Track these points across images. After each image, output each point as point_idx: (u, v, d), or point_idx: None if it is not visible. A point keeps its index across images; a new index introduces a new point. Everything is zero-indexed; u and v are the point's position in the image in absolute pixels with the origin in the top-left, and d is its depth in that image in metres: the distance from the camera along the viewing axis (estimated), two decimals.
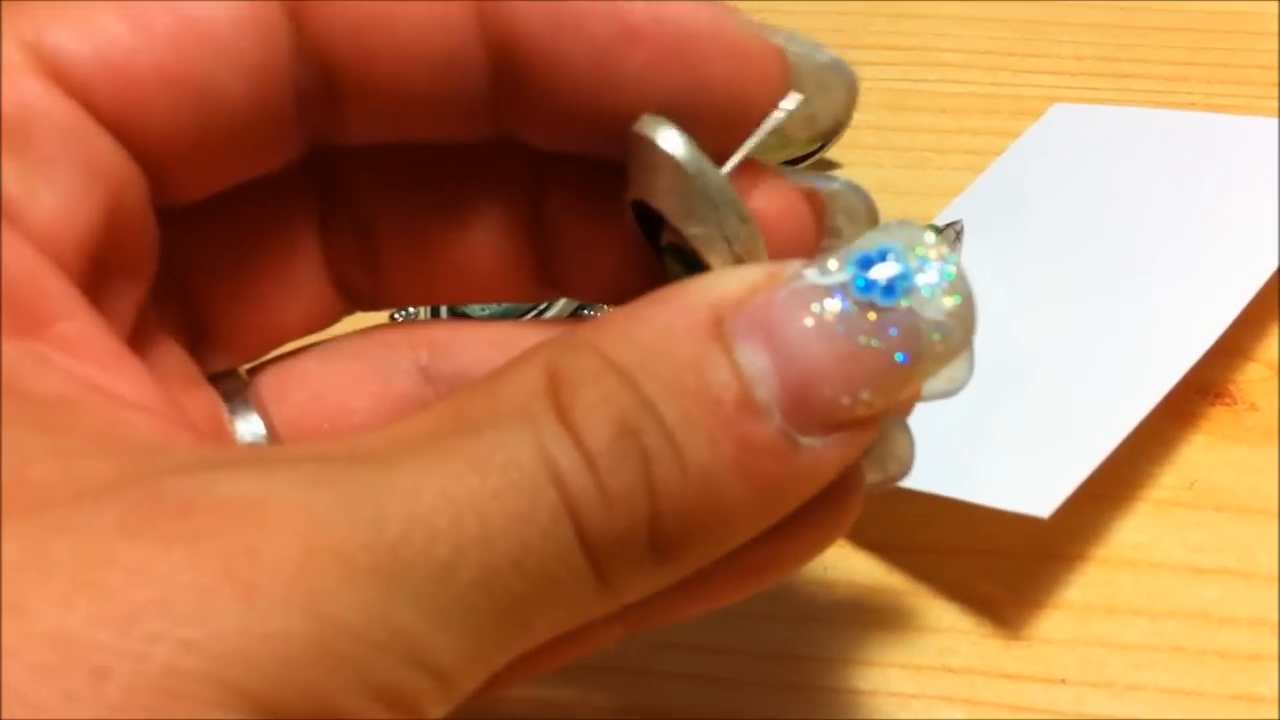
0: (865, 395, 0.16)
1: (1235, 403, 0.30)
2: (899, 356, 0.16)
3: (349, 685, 0.14)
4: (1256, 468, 0.28)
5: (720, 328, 0.16)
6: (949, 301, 0.16)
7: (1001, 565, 0.27)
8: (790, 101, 0.19)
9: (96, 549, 0.14)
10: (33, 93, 0.17)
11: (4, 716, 0.13)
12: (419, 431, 0.16)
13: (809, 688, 0.25)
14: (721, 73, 0.18)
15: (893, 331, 0.16)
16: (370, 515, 0.15)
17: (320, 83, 0.19)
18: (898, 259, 0.16)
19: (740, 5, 0.19)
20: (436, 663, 0.15)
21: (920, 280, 0.16)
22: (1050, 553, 0.27)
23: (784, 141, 0.19)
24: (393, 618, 0.14)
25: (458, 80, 0.19)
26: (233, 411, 0.21)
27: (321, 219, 0.21)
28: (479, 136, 0.20)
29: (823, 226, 0.20)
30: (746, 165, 0.19)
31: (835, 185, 0.20)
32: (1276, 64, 0.40)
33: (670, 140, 0.18)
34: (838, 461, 0.17)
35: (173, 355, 0.20)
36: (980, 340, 0.30)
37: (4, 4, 0.18)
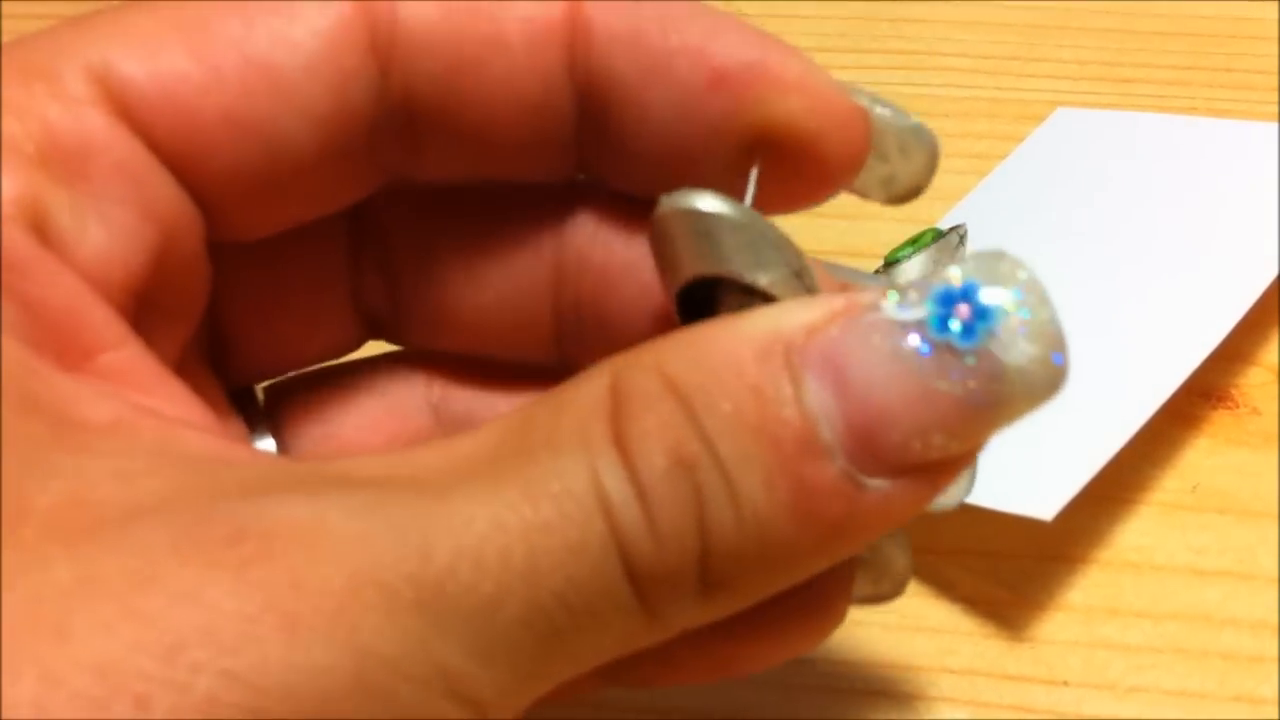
0: (938, 440, 0.15)
1: (1237, 407, 0.30)
2: (973, 400, 0.15)
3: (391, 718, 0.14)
4: (1258, 471, 0.28)
5: (789, 358, 0.15)
6: (1033, 348, 0.15)
7: (1004, 567, 0.27)
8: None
9: (145, 571, 0.14)
10: (95, 125, 0.17)
11: None
12: (482, 453, 0.16)
13: (812, 688, 0.25)
14: (805, 125, 0.18)
15: (971, 375, 0.15)
16: (418, 545, 0.14)
17: (402, 127, 0.19)
18: (983, 297, 0.15)
19: (745, 10, 0.19)
20: (476, 696, 0.15)
21: (1004, 323, 0.15)
22: (1053, 554, 0.27)
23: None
24: (433, 652, 0.14)
25: (544, 124, 0.19)
26: (252, 437, 0.21)
27: (351, 251, 0.21)
28: (555, 177, 0.20)
29: (869, 149, 0.19)
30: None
31: (898, 118, 0.19)
32: (1277, 69, 0.40)
33: (714, 203, 0.17)
34: (907, 504, 0.16)
35: (201, 377, 0.20)
36: None
37: (70, 23, 0.18)
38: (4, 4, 0.43)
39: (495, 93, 0.18)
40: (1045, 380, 0.15)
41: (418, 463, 0.16)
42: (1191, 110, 0.39)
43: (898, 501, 0.16)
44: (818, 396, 0.15)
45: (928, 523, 0.21)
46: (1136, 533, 0.27)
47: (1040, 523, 0.24)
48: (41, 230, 0.17)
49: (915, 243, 0.30)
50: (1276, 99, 0.39)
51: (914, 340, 0.15)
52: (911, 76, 0.41)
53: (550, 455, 0.15)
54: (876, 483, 0.15)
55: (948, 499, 0.20)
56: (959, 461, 0.16)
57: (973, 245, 0.31)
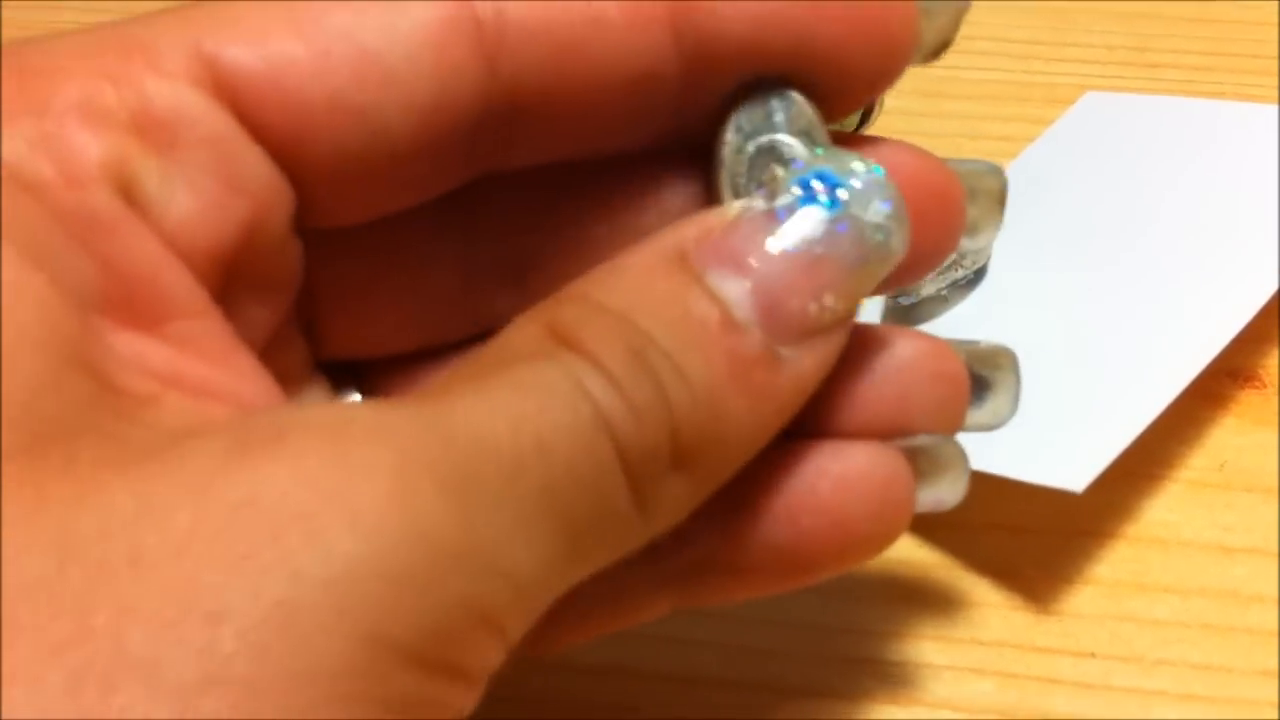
0: (829, 300, 0.18)
1: (1265, 386, 0.30)
2: (850, 260, 0.18)
3: (450, 601, 0.15)
4: None
5: (686, 262, 0.18)
6: (884, 205, 0.18)
7: (1033, 541, 0.27)
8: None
9: (202, 485, 0.14)
10: (190, 99, 0.17)
11: (121, 678, 0.13)
12: (459, 377, 0.17)
13: (842, 658, 0.25)
14: (892, 31, 0.19)
15: (841, 237, 0.18)
16: (443, 428, 0.15)
17: (503, 118, 0.19)
18: (834, 175, 0.18)
19: None
20: (514, 572, 0.15)
21: (856, 188, 0.18)
22: (1081, 529, 0.27)
23: None
24: (477, 532, 0.15)
25: (651, 95, 0.19)
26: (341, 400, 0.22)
27: (466, 244, 0.22)
28: (653, 145, 0.20)
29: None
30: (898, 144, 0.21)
31: (969, 165, 0.21)
32: None
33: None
34: (817, 368, 0.18)
35: (293, 344, 0.21)
36: (1012, 321, 0.30)
37: (175, 9, 0.18)
38: (3, 4, 0.43)
39: (600, 72, 0.19)
40: (900, 231, 0.18)
41: (408, 395, 0.17)
42: (1220, 95, 0.39)
43: (809, 364, 0.18)
44: (724, 285, 0.18)
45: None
46: (1164, 509, 0.28)
47: (1069, 498, 0.24)
48: (129, 194, 0.17)
49: None
50: None
51: (791, 219, 0.18)
52: (942, 59, 0.41)
53: (523, 365, 0.17)
54: (788, 351, 0.18)
55: (945, 499, 0.21)
56: (847, 321, 0.18)
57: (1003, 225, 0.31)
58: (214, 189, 0.18)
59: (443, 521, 0.15)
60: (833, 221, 0.18)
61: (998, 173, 0.21)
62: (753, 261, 0.18)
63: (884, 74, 0.20)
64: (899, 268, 0.19)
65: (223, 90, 0.18)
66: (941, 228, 0.20)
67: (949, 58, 0.40)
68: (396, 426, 0.15)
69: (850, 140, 0.20)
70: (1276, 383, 0.30)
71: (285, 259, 0.19)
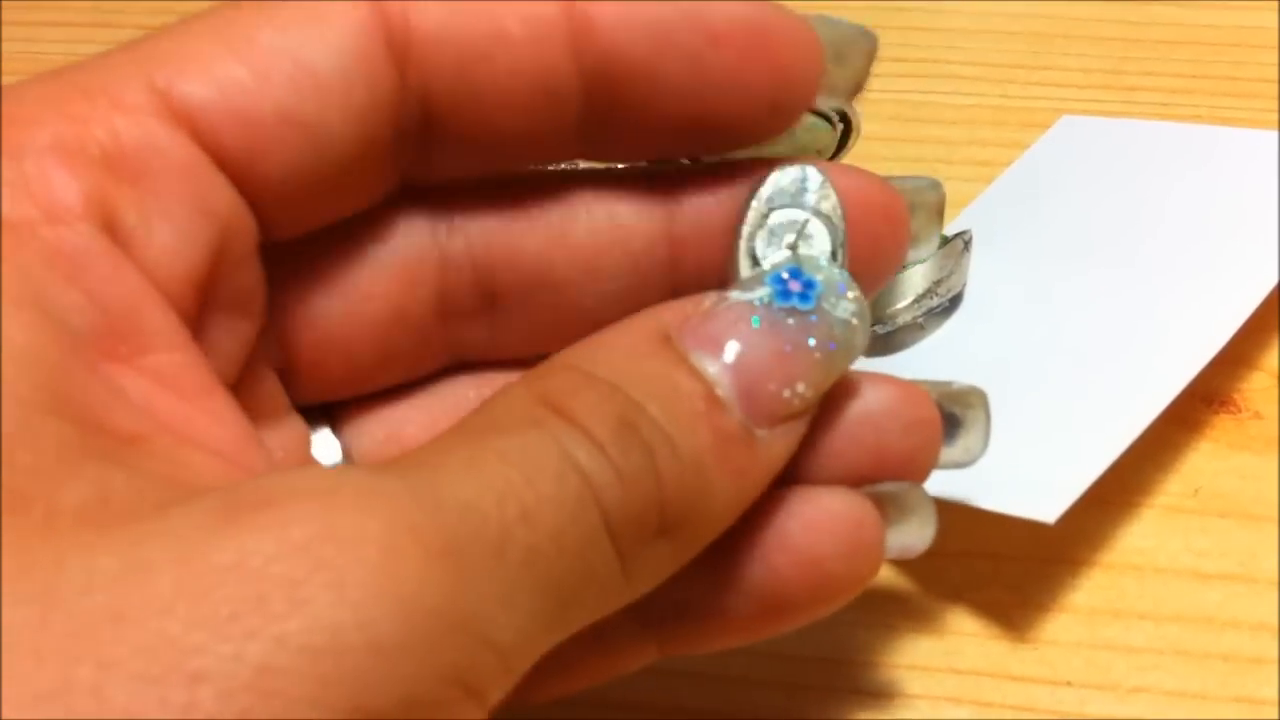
0: (800, 388, 0.19)
1: (1239, 411, 0.30)
2: (820, 352, 0.19)
3: (434, 671, 0.15)
4: (1260, 475, 0.29)
5: (671, 341, 0.19)
6: (850, 304, 0.20)
7: (1007, 569, 0.27)
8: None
9: (190, 550, 0.14)
10: (156, 132, 0.18)
11: None
12: (447, 444, 0.17)
13: (818, 687, 0.25)
14: (787, 60, 0.20)
15: (812, 331, 0.19)
16: (430, 497, 0.15)
17: (418, 122, 0.20)
18: (806, 274, 0.19)
19: None
20: (498, 641, 0.16)
21: (826, 286, 0.19)
22: (1056, 557, 0.27)
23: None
24: (462, 599, 0.15)
25: (551, 112, 0.20)
26: (314, 438, 0.22)
27: (440, 276, 0.22)
28: (565, 159, 0.21)
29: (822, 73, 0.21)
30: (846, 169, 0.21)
31: (829, 28, 0.21)
32: (1279, 77, 0.40)
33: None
34: (786, 450, 0.19)
35: (266, 383, 0.21)
36: (988, 348, 0.30)
37: (130, 46, 0.19)
38: (3, 4, 0.43)
39: (502, 85, 0.19)
40: (863, 328, 0.20)
41: (398, 459, 0.17)
42: (1195, 118, 0.39)
43: (779, 446, 0.19)
44: (707, 366, 0.19)
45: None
46: (1139, 535, 0.28)
47: (1043, 525, 0.24)
48: (111, 229, 0.17)
49: None
50: (1278, 107, 0.39)
51: (767, 312, 0.19)
52: (918, 84, 0.41)
53: (511, 435, 0.17)
54: (762, 433, 0.19)
55: (913, 545, 0.22)
56: (812, 409, 0.20)
57: (978, 251, 0.31)
58: (186, 217, 0.18)
59: (430, 592, 0.15)
60: (805, 315, 0.19)
61: (936, 187, 0.22)
62: (733, 348, 0.19)
63: (787, 104, 0.20)
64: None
65: (180, 120, 0.18)
66: (889, 243, 0.21)
67: (925, 82, 0.40)
68: (385, 494, 0.15)
69: (801, 162, 0.21)
70: (1250, 407, 0.30)
71: (251, 285, 0.20)
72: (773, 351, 0.19)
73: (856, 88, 0.22)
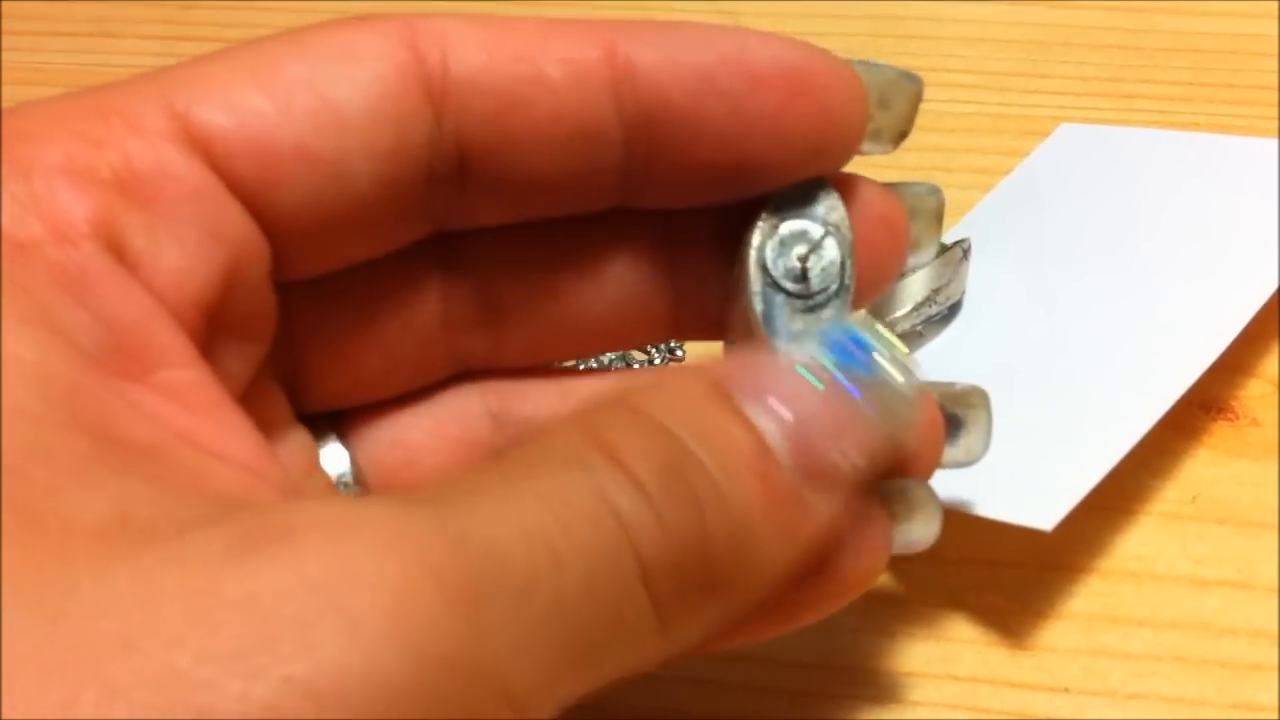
0: (853, 455, 0.18)
1: (1237, 418, 0.30)
2: (878, 420, 0.19)
3: (442, 718, 0.14)
4: (1258, 482, 0.29)
5: (727, 393, 0.18)
6: (905, 375, 0.19)
7: (1006, 576, 0.27)
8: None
9: (204, 581, 0.14)
10: (170, 155, 0.18)
11: None
12: (488, 475, 0.17)
13: (817, 694, 0.25)
14: (830, 104, 0.20)
15: (870, 398, 0.18)
16: (456, 536, 0.15)
17: (453, 168, 0.20)
18: (864, 338, 0.19)
19: (750, 25, 0.20)
20: (514, 693, 0.15)
21: (888, 357, 0.19)
22: (1054, 564, 0.27)
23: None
24: (478, 647, 0.15)
25: (594, 156, 0.20)
26: (321, 448, 0.22)
27: (444, 287, 0.22)
28: (606, 205, 0.21)
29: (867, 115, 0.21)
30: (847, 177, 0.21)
31: (873, 73, 0.21)
32: (1278, 85, 0.40)
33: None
34: (831, 519, 0.19)
35: (272, 396, 0.21)
36: (986, 355, 0.30)
37: (147, 73, 0.19)
38: (5, 13, 0.43)
39: (542, 132, 0.19)
40: (917, 401, 0.19)
41: (432, 487, 0.17)
42: (1194, 126, 0.39)
43: (825, 512, 0.18)
44: (763, 421, 0.18)
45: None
46: (1137, 542, 0.28)
47: (1041, 533, 0.24)
48: (118, 249, 0.17)
49: None
50: (1277, 115, 0.39)
51: (829, 373, 0.18)
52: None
53: (553, 474, 0.16)
54: (812, 496, 0.18)
55: (919, 540, 0.22)
56: (858, 483, 0.19)
57: (977, 259, 0.32)
58: (197, 241, 0.18)
59: (445, 636, 0.14)
60: (869, 383, 0.18)
61: (936, 192, 0.23)
62: (791, 405, 0.18)
63: (829, 150, 0.20)
64: (856, 290, 0.20)
65: (197, 145, 0.18)
66: (890, 250, 0.21)
67: (925, 90, 0.41)
68: (407, 532, 0.15)
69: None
70: (1248, 414, 0.30)
71: (262, 310, 0.20)
72: (828, 414, 0.18)
73: (902, 133, 0.21)
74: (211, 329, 0.19)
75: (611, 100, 0.19)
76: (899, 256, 0.22)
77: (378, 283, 0.21)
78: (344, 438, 0.22)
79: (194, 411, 0.17)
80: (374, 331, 0.22)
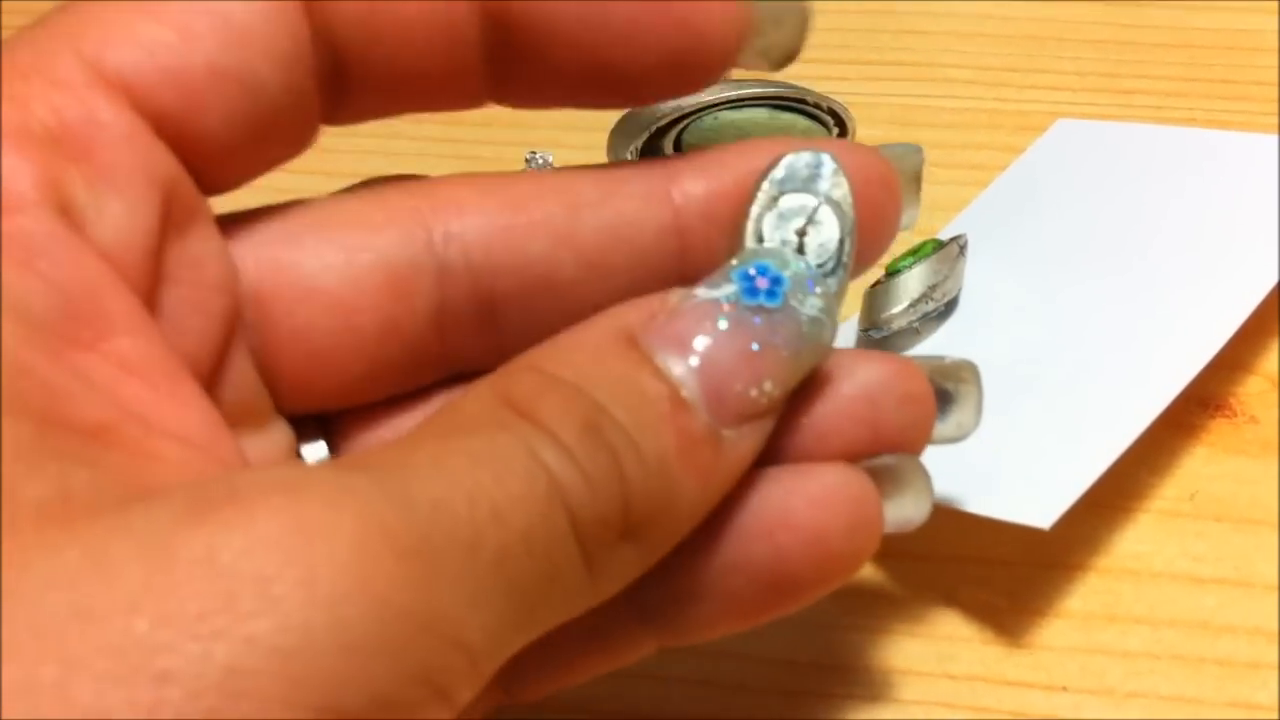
0: (768, 387, 0.19)
1: (1235, 415, 0.30)
2: (788, 350, 0.19)
3: (404, 671, 0.14)
4: (1256, 479, 0.29)
5: (635, 342, 0.18)
6: (818, 301, 0.19)
7: (1002, 574, 0.27)
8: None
9: (157, 545, 0.14)
10: (95, 106, 0.18)
11: None
12: (414, 443, 0.17)
13: (813, 693, 0.25)
14: (696, 16, 0.20)
15: (780, 329, 0.19)
16: (401, 496, 0.15)
17: (329, 68, 0.20)
18: (774, 269, 0.19)
19: None
20: (468, 642, 0.15)
21: (794, 283, 0.19)
22: (1051, 562, 0.27)
23: (740, 74, 0.22)
24: (433, 599, 0.15)
25: (455, 50, 0.20)
26: (304, 446, 0.22)
27: (438, 289, 0.22)
28: (476, 104, 0.21)
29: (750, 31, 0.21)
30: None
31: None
32: (1276, 80, 0.40)
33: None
34: (752, 450, 0.19)
35: (249, 386, 0.21)
36: (983, 352, 0.30)
37: (49, 20, 0.18)
38: (3, 7, 0.43)
39: (404, 27, 0.20)
40: (831, 326, 0.19)
41: (366, 456, 0.17)
42: (1191, 121, 0.39)
43: (746, 446, 0.19)
44: (673, 367, 0.18)
45: (925, 532, 0.22)
46: (1135, 540, 0.28)
47: (1039, 530, 0.24)
48: (66, 210, 0.17)
49: (916, 253, 0.31)
50: (1276, 110, 0.39)
51: (734, 309, 0.19)
52: (912, 88, 0.41)
53: (479, 436, 0.17)
54: (728, 433, 0.19)
55: (912, 517, 0.22)
56: (779, 407, 0.19)
57: (973, 255, 0.31)
58: (135, 190, 0.18)
59: (401, 591, 0.15)
60: (773, 314, 0.19)
61: (918, 152, 0.23)
62: (699, 347, 0.18)
63: (694, 63, 0.20)
64: (856, 253, 0.20)
65: (115, 88, 0.18)
66: (887, 212, 0.22)
67: (919, 85, 0.40)
68: (356, 492, 0.15)
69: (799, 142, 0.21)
70: (1247, 411, 0.30)
71: (205, 252, 0.19)
72: (739, 351, 0.19)
73: (789, 55, 0.21)
74: (161, 279, 0.18)
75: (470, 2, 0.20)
76: (895, 217, 0.22)
77: (360, 283, 0.21)
78: (333, 441, 0.22)
79: (147, 383, 0.17)
80: (356, 333, 0.21)
